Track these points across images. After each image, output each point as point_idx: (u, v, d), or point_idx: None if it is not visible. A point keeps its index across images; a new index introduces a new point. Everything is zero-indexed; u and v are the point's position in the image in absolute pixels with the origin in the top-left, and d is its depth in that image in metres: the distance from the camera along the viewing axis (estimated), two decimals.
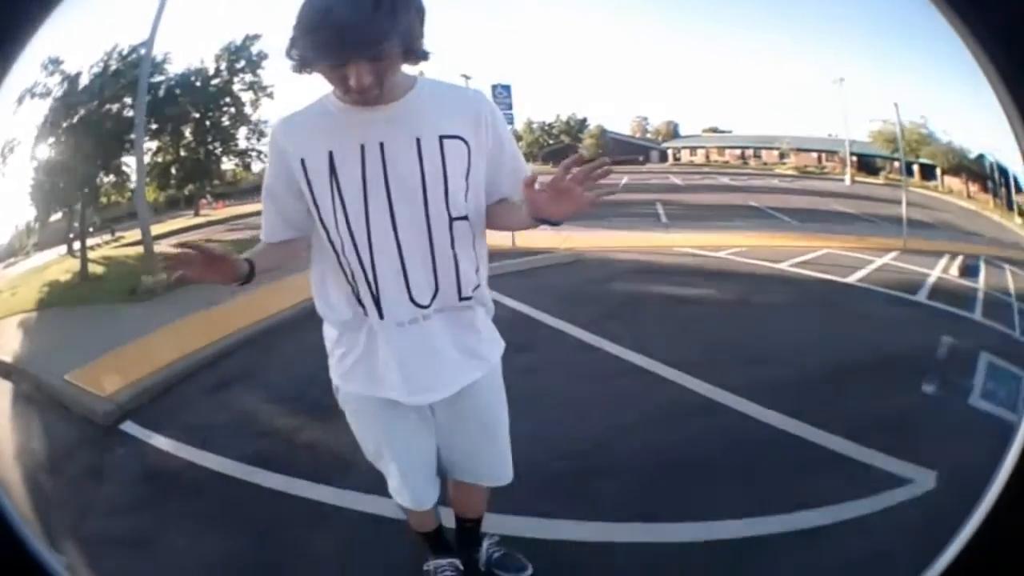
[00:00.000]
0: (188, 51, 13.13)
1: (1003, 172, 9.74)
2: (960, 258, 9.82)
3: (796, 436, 4.85)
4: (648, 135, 18.36)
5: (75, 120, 11.00)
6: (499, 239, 7.57)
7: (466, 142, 2.48)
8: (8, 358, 7.51)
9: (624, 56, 16.49)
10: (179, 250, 2.55)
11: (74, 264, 11.44)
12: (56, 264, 11.28)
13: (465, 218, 2.54)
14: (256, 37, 14.09)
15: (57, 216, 11.69)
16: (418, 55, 2.36)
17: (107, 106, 11.46)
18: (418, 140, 2.45)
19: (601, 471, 4.45)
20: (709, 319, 7.76)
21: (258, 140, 14.83)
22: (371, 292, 2.49)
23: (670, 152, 17.28)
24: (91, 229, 11.89)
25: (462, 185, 2.51)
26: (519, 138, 19.35)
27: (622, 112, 18.90)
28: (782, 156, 15.07)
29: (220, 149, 14.76)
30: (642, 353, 6.21)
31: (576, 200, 2.49)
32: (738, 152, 15.87)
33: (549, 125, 20.00)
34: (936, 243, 10.89)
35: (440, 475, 3.19)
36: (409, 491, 3.04)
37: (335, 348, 2.87)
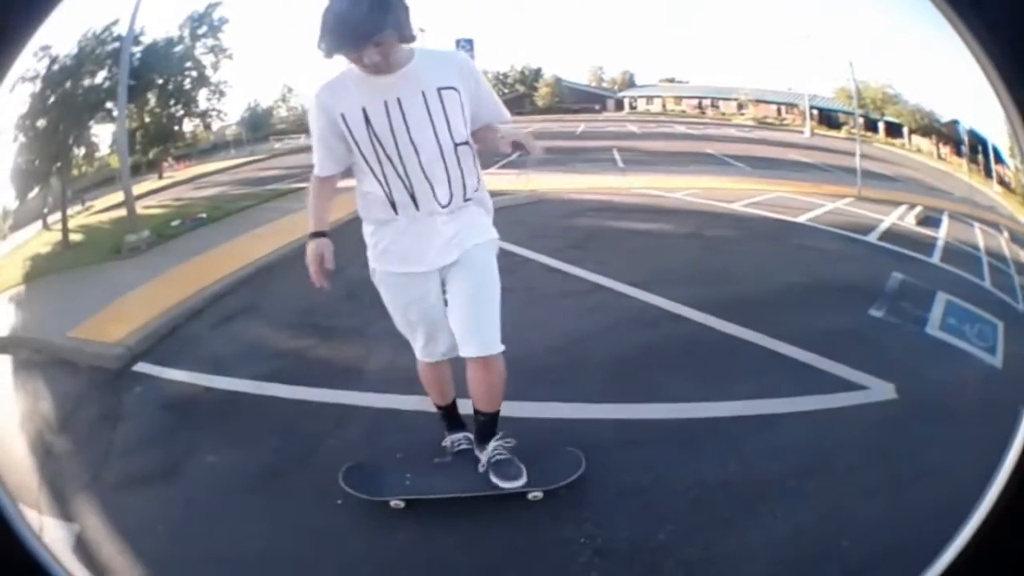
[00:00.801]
0: (159, 24, 13.31)
1: (981, 141, 9.96)
2: (919, 208, 10.19)
3: (753, 343, 5.41)
4: (604, 85, 18.80)
5: (52, 100, 10.84)
6: None
7: (456, 90, 3.84)
8: (5, 330, 7.81)
9: (579, 5, 16.88)
10: (319, 275, 3.92)
11: (52, 236, 11.31)
12: (35, 240, 11.42)
13: (465, 143, 3.95)
14: (217, 3, 14.10)
15: (32, 194, 11.65)
16: (408, 38, 3.77)
17: (82, 81, 11.45)
18: (423, 93, 3.79)
19: (573, 364, 5.05)
20: (665, 247, 8.24)
21: (218, 100, 14.78)
22: (410, 196, 3.88)
23: (626, 101, 17.68)
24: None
25: (459, 120, 3.64)
26: None
27: (578, 62, 19.31)
28: (740, 107, 15.07)
29: (182, 111, 14.71)
30: (604, 275, 6.75)
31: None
32: (695, 102, 15.95)
33: (504, 75, 20.47)
34: (891, 193, 11.18)
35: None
36: (430, 345, 4.21)
37: (373, 239, 4.02)
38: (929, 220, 9.90)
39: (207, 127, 15.71)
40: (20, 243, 11.22)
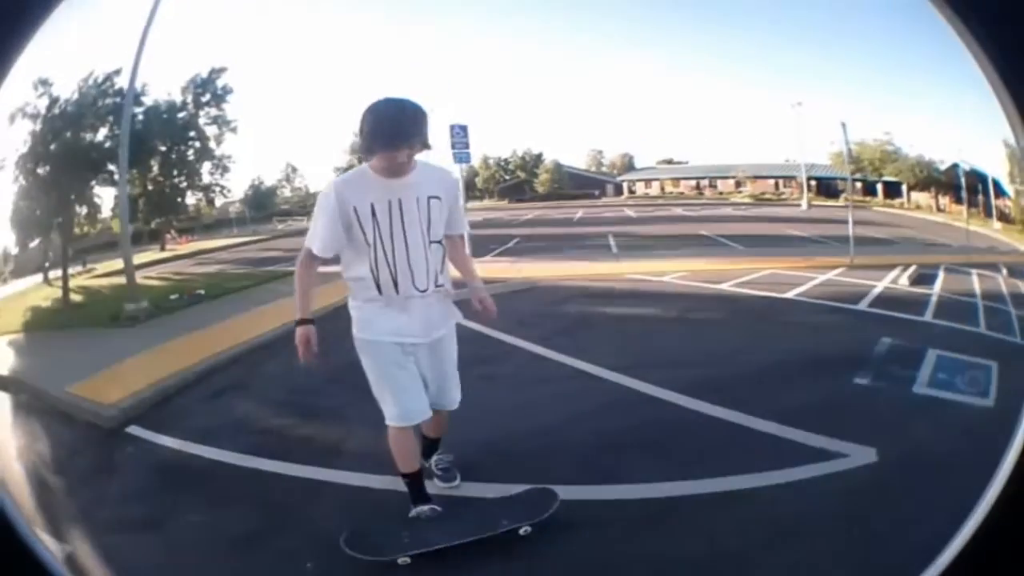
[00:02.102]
0: (159, 83, 13.54)
1: (981, 178, 10.55)
2: (912, 268, 10.51)
3: (726, 421, 5.62)
4: (604, 168, 19.13)
5: (53, 147, 11.47)
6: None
7: (441, 200, 4.44)
8: (4, 371, 8.15)
9: (578, 91, 17.36)
10: (307, 356, 4.46)
11: (52, 292, 11.86)
12: (34, 292, 11.68)
13: (439, 242, 4.52)
14: (222, 70, 14.78)
15: (34, 243, 11.93)
16: (428, 145, 4.34)
17: (84, 135, 12.04)
18: (418, 199, 4.36)
19: (550, 450, 5.31)
20: (650, 332, 8.40)
21: (222, 175, 15.43)
22: (392, 279, 4.38)
23: (625, 185, 18.07)
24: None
25: (439, 223, 4.45)
26: (476, 174, 20.16)
27: (577, 146, 19.73)
28: (738, 185, 15.94)
29: (185, 183, 15.34)
30: (587, 361, 7.01)
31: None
32: (693, 183, 16.73)
33: (505, 161, 20.54)
34: (888, 258, 11.42)
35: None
36: (406, 409, 4.54)
37: (358, 314, 4.59)
38: (924, 278, 10.20)
39: (210, 202, 16.36)
40: (21, 290, 11.32)
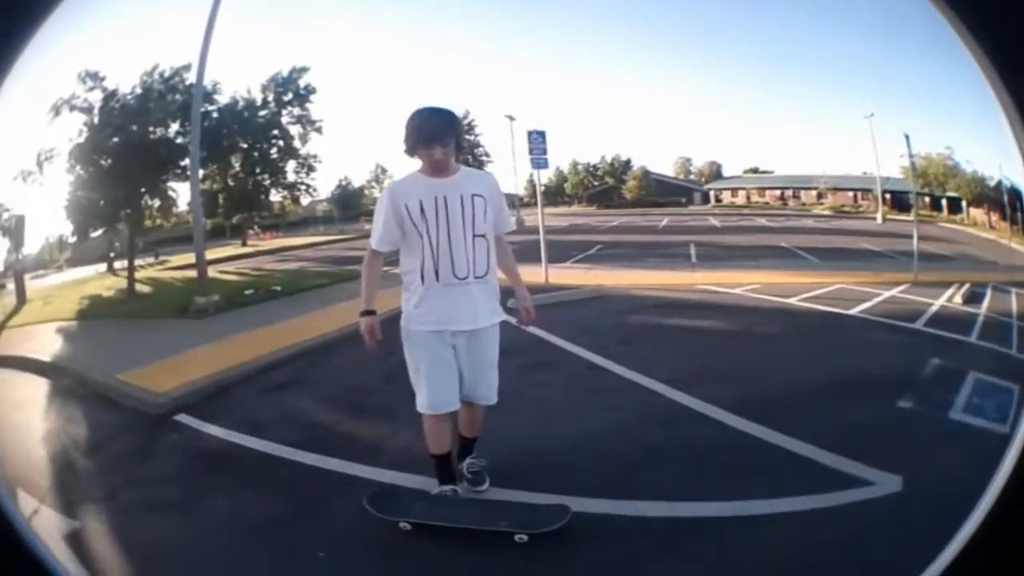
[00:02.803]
0: (234, 78, 13.67)
1: (1016, 193, 10.44)
2: (966, 286, 10.49)
3: (769, 442, 5.52)
4: (692, 176, 19.01)
5: (118, 140, 11.83)
6: (533, 277, 8.58)
7: (484, 198, 4.75)
8: (46, 358, 8.35)
9: (669, 98, 17.35)
10: (372, 344, 4.72)
11: (117, 282, 12.29)
12: (96, 280, 12.16)
13: (483, 236, 4.77)
14: (303, 70, 15.19)
15: (96, 233, 12.54)
16: (463, 148, 4.90)
17: (153, 129, 12.29)
18: (462, 196, 4.70)
19: (584, 459, 5.28)
20: (711, 346, 8.23)
21: (307, 174, 15.88)
22: (434, 267, 4.68)
23: (712, 194, 18.01)
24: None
25: (482, 219, 4.72)
26: (565, 179, 20.19)
27: (666, 153, 19.65)
28: (820, 196, 15.89)
29: (268, 181, 15.74)
30: (641, 373, 6.95)
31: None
32: (778, 193, 16.74)
33: (594, 167, 20.66)
34: (947, 274, 11.43)
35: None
36: (436, 398, 4.77)
37: (405, 305, 4.76)
38: (975, 296, 10.23)
39: (295, 200, 16.67)
40: (80, 279, 11.75)
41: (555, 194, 19.68)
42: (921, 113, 12.06)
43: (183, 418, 6.67)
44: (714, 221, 16.67)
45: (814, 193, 16.14)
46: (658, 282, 12.30)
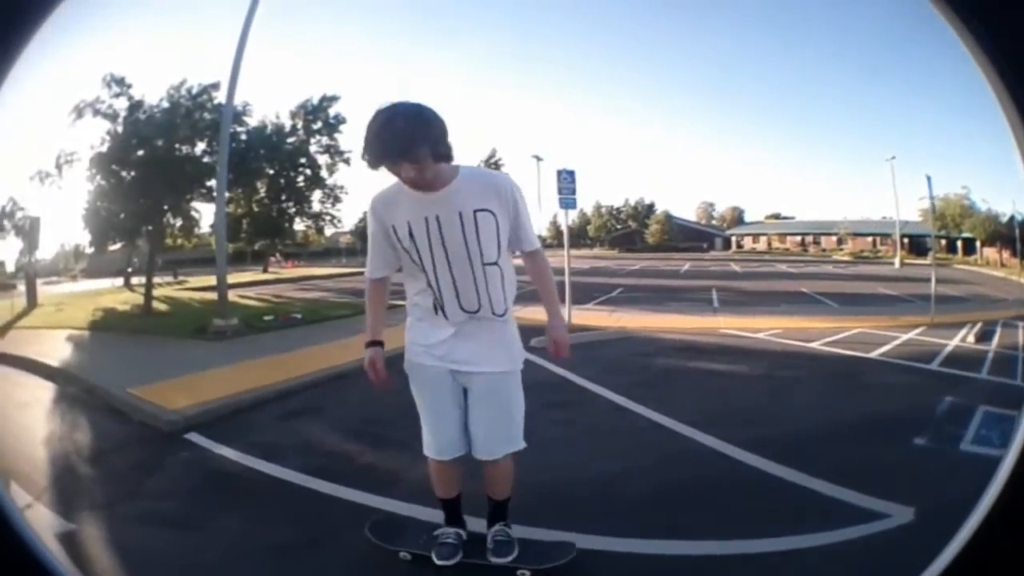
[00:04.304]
0: (264, 102, 13.47)
1: None
2: (979, 325, 10.57)
3: (791, 482, 5.18)
4: (714, 221, 18.86)
5: (143, 153, 11.43)
6: None
7: (492, 212, 3.69)
8: (55, 363, 8.08)
9: (693, 143, 17.18)
10: (375, 378, 3.98)
11: (133, 297, 11.91)
12: (111, 293, 11.87)
13: (495, 264, 3.78)
14: (334, 99, 14.86)
15: (114, 247, 12.19)
16: (444, 156, 3.64)
17: (179, 146, 11.90)
18: (460, 213, 3.67)
19: (604, 499, 4.87)
20: (733, 388, 8.02)
21: (332, 205, 15.44)
22: (437, 302, 3.82)
23: (733, 239, 17.84)
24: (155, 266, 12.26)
25: (492, 241, 3.71)
26: (588, 221, 19.95)
27: (689, 198, 19.53)
28: (840, 242, 15.88)
29: (294, 209, 15.32)
30: (663, 414, 6.59)
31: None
32: (798, 238, 16.72)
33: (617, 210, 20.77)
34: (961, 315, 11.55)
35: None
36: (436, 441, 4.07)
37: (408, 335, 3.93)
38: (986, 334, 10.34)
39: (319, 230, 16.23)
40: (95, 290, 11.53)
41: (578, 236, 19.51)
42: (939, 153, 12.22)
43: (194, 436, 6.27)
44: (735, 267, 16.42)
45: (834, 239, 16.21)
46: (681, 325, 12.03)
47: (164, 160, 11.53)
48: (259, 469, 5.52)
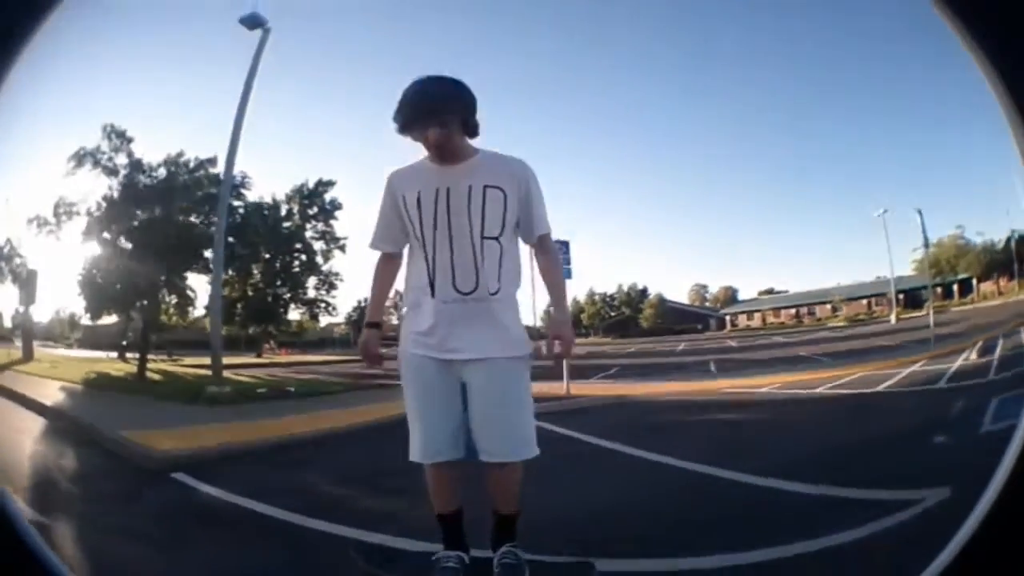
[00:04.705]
0: (261, 180, 13.43)
1: None
2: (979, 344, 10.63)
3: (823, 495, 5.10)
4: (707, 302, 18.85)
5: (141, 220, 11.37)
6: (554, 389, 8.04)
7: (502, 191, 3.67)
8: (48, 402, 8.17)
9: (683, 227, 17.29)
10: (369, 360, 3.87)
11: (127, 367, 11.66)
12: (106, 363, 11.71)
13: (495, 239, 3.70)
14: (329, 184, 14.80)
15: (109, 319, 11.92)
16: (471, 131, 3.78)
17: (175, 217, 11.76)
18: (470, 187, 3.67)
19: (614, 521, 4.71)
20: (738, 428, 8.07)
21: (328, 291, 15.18)
22: (430, 278, 3.66)
23: (727, 318, 17.82)
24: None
25: (496, 218, 3.67)
26: (582, 309, 19.90)
27: (681, 281, 19.57)
28: (835, 309, 15.80)
29: (288, 295, 15.13)
30: (666, 455, 6.48)
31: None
32: (793, 311, 16.61)
33: (611, 296, 20.53)
34: (960, 344, 11.57)
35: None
36: (422, 440, 3.77)
37: (404, 319, 3.76)
38: (988, 348, 10.36)
39: (314, 317, 15.99)
40: (89, 357, 11.51)
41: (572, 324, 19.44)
42: (930, 191, 12.29)
43: (181, 476, 6.22)
44: (731, 342, 16.70)
45: (829, 307, 16.22)
46: (681, 389, 12.00)
47: (162, 227, 11.45)
48: (241, 505, 5.41)
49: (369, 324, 3.95)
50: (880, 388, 9.89)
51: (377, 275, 4.02)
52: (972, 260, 12.86)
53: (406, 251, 3.95)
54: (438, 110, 3.62)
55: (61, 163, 10.84)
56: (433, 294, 3.67)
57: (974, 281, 13.16)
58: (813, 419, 8.73)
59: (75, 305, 11.20)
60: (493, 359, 3.69)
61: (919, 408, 8.52)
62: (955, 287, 13.57)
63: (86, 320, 11.42)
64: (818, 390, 10.42)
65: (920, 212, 11.95)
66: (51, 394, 8.83)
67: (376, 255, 4.00)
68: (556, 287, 3.93)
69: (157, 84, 11.12)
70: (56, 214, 10.59)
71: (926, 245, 12.47)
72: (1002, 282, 12.27)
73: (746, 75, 16.26)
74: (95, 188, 11.03)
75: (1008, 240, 11.70)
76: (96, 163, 10.91)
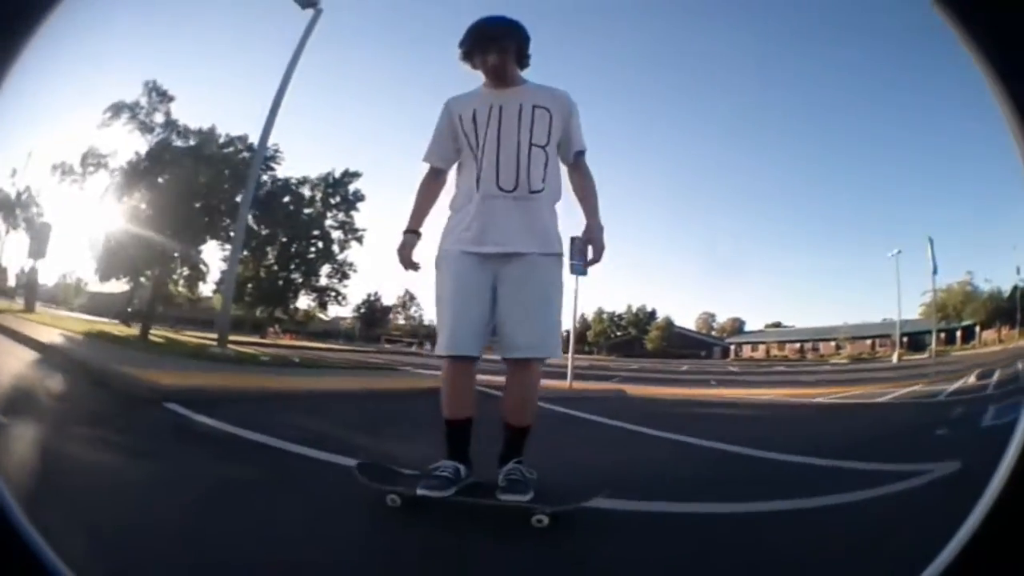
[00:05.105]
0: (288, 165, 13.51)
1: None
2: (978, 371, 10.60)
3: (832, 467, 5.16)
4: (714, 331, 18.83)
5: (162, 185, 11.38)
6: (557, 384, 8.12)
7: (548, 111, 4.18)
8: (45, 340, 8.32)
9: (696, 254, 17.29)
10: (405, 264, 4.38)
11: (131, 331, 11.70)
12: (109, 325, 11.77)
13: (541, 148, 4.17)
14: (355, 175, 14.82)
15: (119, 282, 11.98)
16: (524, 58, 4.36)
17: (203, 184, 11.84)
18: (520, 106, 4.18)
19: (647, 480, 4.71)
20: (738, 420, 8.18)
21: (340, 281, 15.07)
22: (476, 176, 4.12)
23: (732, 347, 17.80)
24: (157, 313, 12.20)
25: (543, 130, 4.16)
26: (588, 326, 19.86)
27: (690, 307, 19.53)
28: (838, 347, 15.70)
29: (300, 280, 14.99)
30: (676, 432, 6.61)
31: None
32: (797, 346, 16.55)
33: (619, 316, 20.47)
34: (958, 374, 11.57)
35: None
36: (452, 332, 4.04)
37: (446, 227, 4.26)
38: (985, 374, 10.25)
39: (323, 305, 15.62)
40: (91, 319, 11.48)
41: (576, 341, 19.35)
42: (945, 235, 12.23)
43: (174, 407, 6.27)
44: (733, 368, 16.94)
45: (833, 344, 16.13)
46: (681, 393, 12.43)
47: (187, 192, 11.58)
48: (236, 434, 5.44)
49: (408, 231, 4.39)
50: (879, 400, 10.23)
51: (422, 188, 4.49)
52: (978, 307, 12.92)
53: (453, 171, 4.44)
54: (498, 36, 4.20)
55: (96, 114, 10.81)
56: (478, 189, 4.09)
57: (977, 328, 13.21)
58: (814, 418, 8.85)
59: (83, 270, 11.17)
60: (527, 254, 4.05)
61: (921, 412, 8.96)
62: (959, 333, 13.62)
63: (93, 286, 11.40)
64: (819, 399, 10.81)
65: (931, 240, 11.95)
66: (50, 337, 8.93)
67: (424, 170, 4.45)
68: (589, 199, 4.39)
69: (205, 46, 11.18)
70: (84, 163, 10.59)
71: (935, 270, 12.42)
72: (1004, 330, 12.36)
73: (762, 100, 16.26)
74: (127, 144, 11.11)
75: (1014, 289, 11.62)
76: (133, 117, 10.95)
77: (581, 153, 4.42)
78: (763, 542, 3.66)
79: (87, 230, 11.04)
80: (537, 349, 3.99)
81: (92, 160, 10.66)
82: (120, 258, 11.25)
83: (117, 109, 10.80)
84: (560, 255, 4.21)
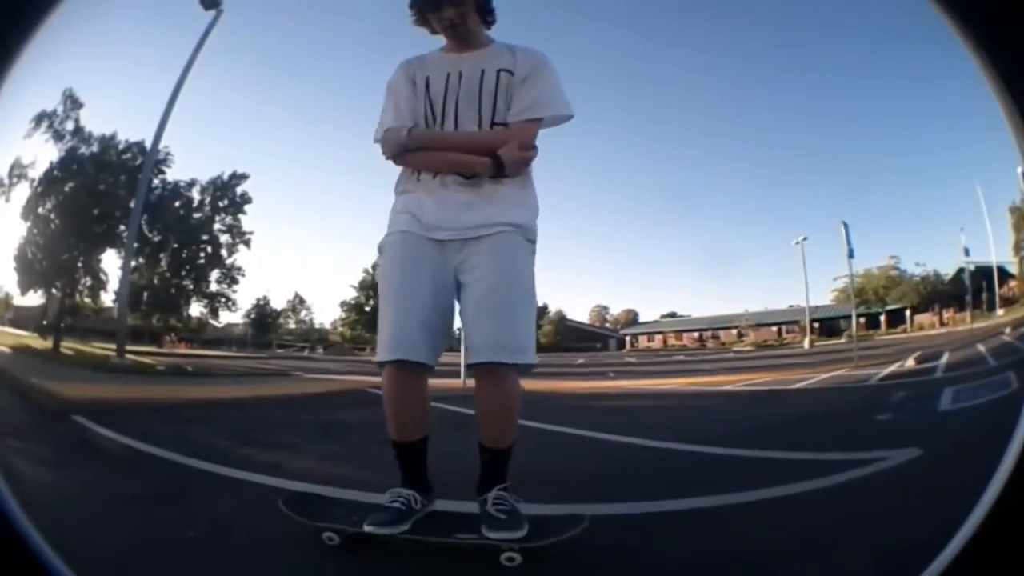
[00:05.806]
0: (179, 169, 13.29)
1: (986, 273, 10.52)
2: (918, 352, 10.30)
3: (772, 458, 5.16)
4: (607, 324, 18.92)
5: (67, 194, 11.22)
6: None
7: (512, 74, 3.68)
8: None
9: (586, 247, 17.34)
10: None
11: (45, 343, 11.31)
12: (27, 338, 11.30)
13: (504, 124, 3.70)
14: (243, 177, 14.43)
15: (33, 297, 11.62)
16: (488, 12, 3.84)
17: (100, 190, 11.68)
18: (483, 71, 3.71)
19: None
20: (645, 410, 8.21)
21: (229, 286, 14.89)
22: None
23: (627, 339, 17.89)
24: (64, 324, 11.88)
25: (504, 101, 3.68)
26: None
27: (582, 300, 19.53)
28: (740, 335, 15.67)
29: (191, 287, 14.79)
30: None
31: None
32: (696, 335, 16.52)
33: None
34: (892, 358, 11.14)
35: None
36: (393, 330, 3.40)
37: (395, 207, 3.78)
38: (929, 358, 9.95)
39: (214, 312, 15.44)
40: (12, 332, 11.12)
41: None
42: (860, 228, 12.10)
43: (80, 419, 6.38)
44: (630, 358, 16.78)
45: (734, 332, 15.93)
46: (575, 387, 12.06)
47: (86, 199, 11.42)
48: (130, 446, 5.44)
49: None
50: (796, 387, 9.82)
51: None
52: (907, 290, 12.63)
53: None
54: None
55: (23, 123, 10.59)
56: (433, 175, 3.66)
57: (907, 312, 12.91)
58: (724, 408, 9.08)
59: (9, 284, 10.92)
60: (493, 239, 3.51)
61: (853, 397, 8.65)
62: (882, 317, 13.32)
63: (17, 300, 11.16)
64: (727, 387, 10.52)
65: (845, 224, 11.35)
66: None
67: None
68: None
69: (111, 47, 10.92)
70: (10, 175, 10.32)
71: (851, 254, 11.78)
72: (947, 313, 12.07)
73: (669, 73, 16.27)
74: (44, 153, 10.86)
75: (960, 273, 11.51)
76: (50, 126, 10.72)
77: (534, 122, 3.72)
78: (738, 537, 3.63)
79: (11, 243, 10.75)
80: (508, 354, 3.33)
81: (16, 171, 10.37)
82: (35, 270, 11.13)
83: (39, 118, 10.56)
84: (532, 242, 3.71)
